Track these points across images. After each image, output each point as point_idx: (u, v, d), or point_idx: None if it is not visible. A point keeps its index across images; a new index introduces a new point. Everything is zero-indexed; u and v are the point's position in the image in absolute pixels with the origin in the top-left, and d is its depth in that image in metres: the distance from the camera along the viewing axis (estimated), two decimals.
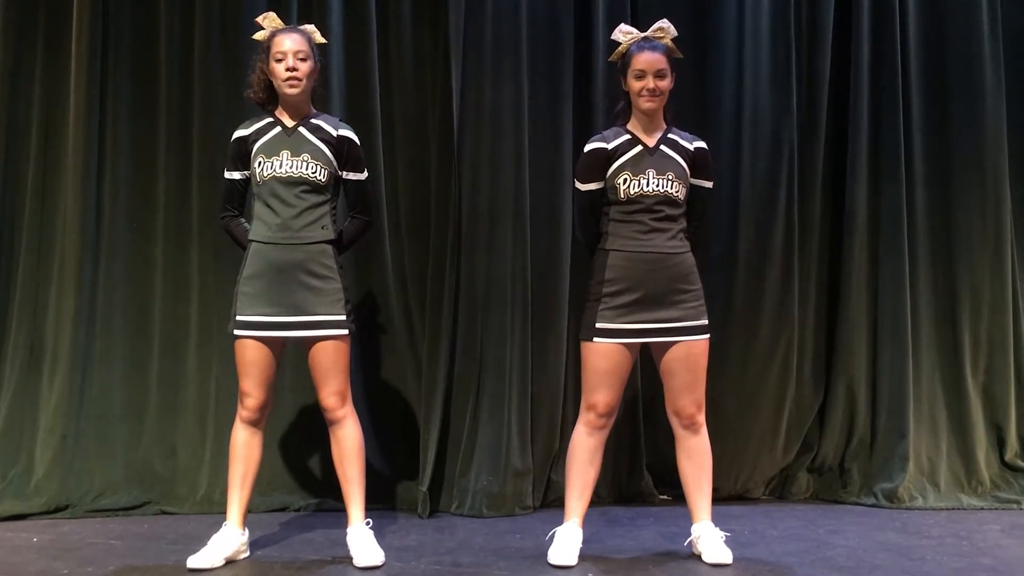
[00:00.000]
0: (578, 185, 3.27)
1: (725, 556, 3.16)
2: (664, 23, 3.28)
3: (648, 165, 3.17)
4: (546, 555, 3.21)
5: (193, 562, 3.08)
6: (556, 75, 4.20)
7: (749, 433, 4.27)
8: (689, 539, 3.28)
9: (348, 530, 3.20)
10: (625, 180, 3.15)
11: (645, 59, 3.16)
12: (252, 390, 3.17)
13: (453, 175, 4.06)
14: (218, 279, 4.04)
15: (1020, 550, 3.42)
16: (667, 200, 3.17)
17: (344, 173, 3.30)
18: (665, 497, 4.25)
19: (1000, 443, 4.39)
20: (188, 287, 4.08)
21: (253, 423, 3.22)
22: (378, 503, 3.81)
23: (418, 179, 4.20)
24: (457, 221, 4.07)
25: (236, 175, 3.29)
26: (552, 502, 4.08)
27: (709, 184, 3.33)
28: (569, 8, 4.23)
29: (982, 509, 4.11)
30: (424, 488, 3.91)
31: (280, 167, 3.15)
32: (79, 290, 4.01)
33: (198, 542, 3.21)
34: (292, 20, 4.03)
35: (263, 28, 3.26)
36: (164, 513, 3.90)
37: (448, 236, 4.05)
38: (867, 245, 4.36)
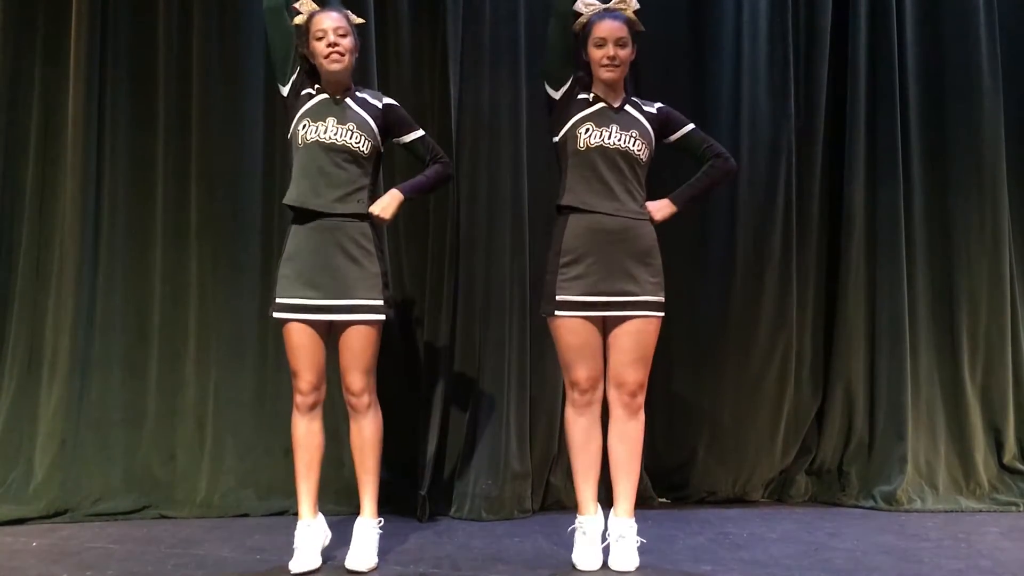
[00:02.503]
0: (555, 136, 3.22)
1: (630, 563, 3.07)
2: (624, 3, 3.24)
3: (611, 121, 3.14)
4: (545, 558, 3.21)
5: (295, 567, 3.06)
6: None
7: (747, 436, 4.27)
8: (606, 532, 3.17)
9: (357, 520, 3.20)
10: (588, 130, 3.11)
11: (606, 27, 3.13)
12: (303, 372, 3.14)
13: (451, 180, 4.07)
14: (217, 284, 4.06)
15: (1019, 552, 3.42)
16: (628, 157, 3.12)
17: (399, 139, 3.29)
18: (664, 500, 4.26)
19: (998, 445, 4.39)
20: (187, 292, 4.08)
21: (310, 408, 3.18)
22: (377, 506, 3.80)
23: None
24: (455, 226, 4.08)
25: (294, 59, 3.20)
26: (551, 505, 4.09)
27: (691, 125, 3.26)
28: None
29: (981, 511, 4.12)
30: (423, 492, 3.91)
31: (325, 132, 3.13)
32: (78, 295, 4.01)
33: (197, 546, 3.22)
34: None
35: (301, 13, 3.22)
36: (163, 517, 3.89)
37: (446, 241, 4.06)
38: (865, 248, 4.37)
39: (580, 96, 3.19)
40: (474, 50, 4.15)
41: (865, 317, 4.35)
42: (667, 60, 4.36)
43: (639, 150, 3.14)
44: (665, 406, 4.22)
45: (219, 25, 4.11)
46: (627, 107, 3.20)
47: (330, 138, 3.13)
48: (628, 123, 3.16)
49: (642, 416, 3.18)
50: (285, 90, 3.23)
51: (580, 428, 3.19)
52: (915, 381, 4.30)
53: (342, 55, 3.15)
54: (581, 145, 3.12)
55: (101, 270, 4.07)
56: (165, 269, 4.09)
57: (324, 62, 3.16)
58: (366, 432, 3.20)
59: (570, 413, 3.21)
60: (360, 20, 3.32)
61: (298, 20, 3.23)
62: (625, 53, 3.14)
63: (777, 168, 4.32)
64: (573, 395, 3.18)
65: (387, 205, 3.18)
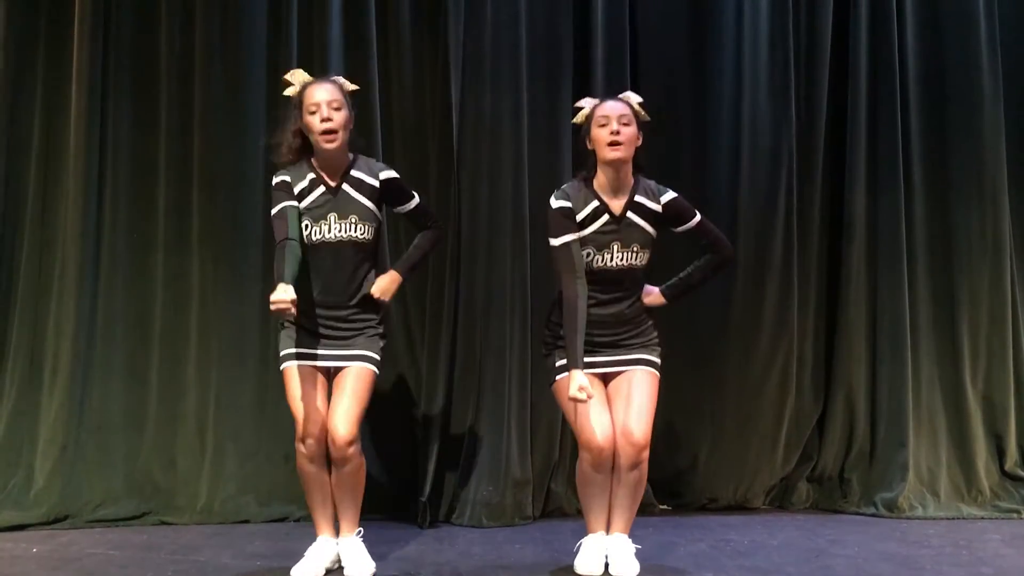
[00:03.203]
0: (553, 242, 3.05)
1: (631, 569, 3.05)
2: (628, 93, 3.18)
3: (614, 238, 3.06)
4: (546, 565, 3.20)
5: (297, 572, 3.05)
6: (555, 85, 4.22)
7: (749, 443, 4.27)
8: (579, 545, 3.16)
9: (339, 540, 3.17)
10: (589, 254, 3.05)
11: (609, 107, 3.06)
12: (309, 432, 3.05)
13: (452, 185, 4.08)
14: (218, 289, 4.06)
15: (1020, 560, 3.41)
16: (631, 272, 3.09)
17: (399, 209, 3.28)
18: (665, 507, 4.26)
19: (1000, 452, 4.38)
20: (188, 297, 4.08)
21: (316, 454, 3.10)
22: (377, 513, 3.81)
23: (418, 189, 4.17)
24: (457, 231, 4.08)
25: (292, 203, 3.08)
26: (552, 512, 4.09)
27: (697, 219, 3.15)
28: (568, 19, 4.25)
29: (982, 519, 4.11)
30: (424, 498, 3.91)
31: (329, 231, 3.09)
32: (79, 300, 4.01)
33: (197, 553, 3.21)
34: (292, 31, 4.07)
35: (293, 85, 3.17)
36: (164, 524, 3.89)
37: (447, 246, 4.06)
38: (866, 255, 4.36)
39: (580, 215, 3.05)
40: (475, 56, 4.16)
41: (866, 323, 4.35)
42: (668, 68, 4.37)
43: (641, 262, 3.11)
44: (666, 412, 4.19)
45: (221, 32, 4.11)
46: (629, 213, 3.08)
47: (335, 236, 3.10)
48: (630, 236, 3.07)
49: (645, 468, 3.09)
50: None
51: (598, 482, 3.09)
52: (916, 388, 4.29)
53: (335, 132, 3.07)
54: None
55: (103, 275, 4.07)
56: (166, 274, 4.09)
57: (319, 139, 3.08)
58: (347, 479, 3.10)
59: (587, 470, 3.09)
60: (354, 87, 3.23)
61: (290, 92, 3.18)
62: (630, 131, 3.03)
63: (778, 174, 4.32)
64: (588, 457, 3.05)
65: (387, 288, 3.21)
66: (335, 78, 3.21)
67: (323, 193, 3.11)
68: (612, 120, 3.01)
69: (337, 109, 3.07)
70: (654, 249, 3.13)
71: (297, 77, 3.17)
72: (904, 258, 4.33)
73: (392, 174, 3.22)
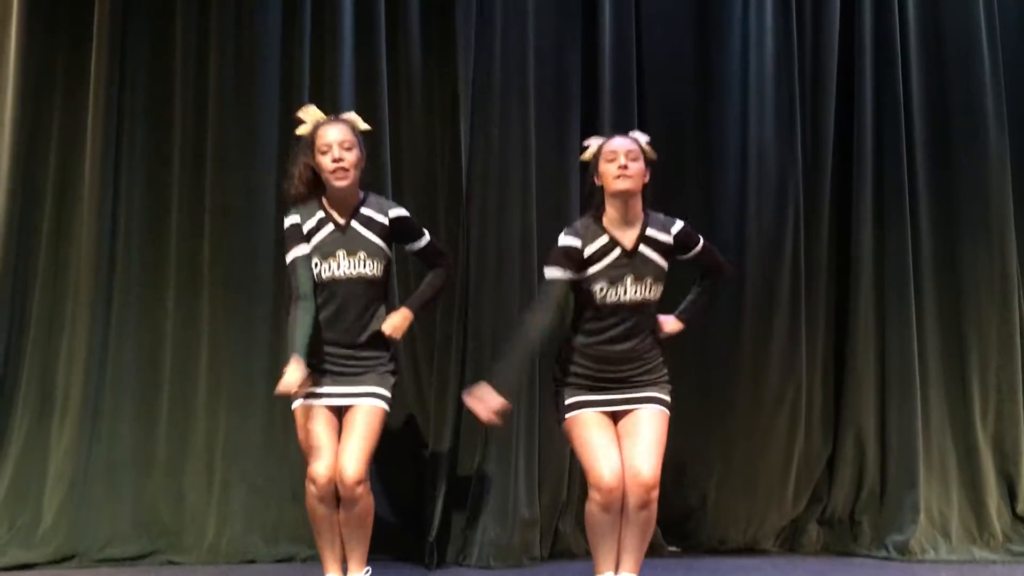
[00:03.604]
0: (546, 271, 3.06)
1: None
2: (635, 133, 3.20)
3: (626, 271, 3.04)
4: None
5: None
6: (563, 127, 4.25)
7: (757, 483, 4.24)
8: None
9: None
10: (602, 289, 3.03)
11: (617, 143, 3.07)
12: (322, 451, 3.06)
13: (461, 223, 4.10)
14: (228, 329, 4.07)
15: None
16: (643, 304, 3.08)
17: (409, 247, 3.31)
18: (674, 549, 4.22)
19: (1011, 494, 4.34)
20: (198, 337, 4.09)
21: (326, 493, 3.08)
22: (384, 553, 3.78)
23: (427, 227, 4.21)
24: (465, 271, 4.10)
25: (303, 249, 3.13)
26: (560, 553, 4.06)
27: (700, 245, 3.16)
28: (576, 58, 4.29)
29: (995, 562, 4.07)
30: (431, 538, 3.89)
31: (338, 268, 3.11)
32: (91, 339, 4.03)
33: None
34: (304, 70, 4.12)
35: (305, 123, 3.20)
36: (171, 563, 3.88)
37: (456, 284, 4.07)
38: (873, 293, 4.36)
39: (589, 251, 3.05)
40: (484, 95, 4.19)
41: (875, 363, 4.33)
42: (674, 107, 4.40)
43: (654, 295, 3.10)
44: (675, 453, 4.15)
45: (234, 69, 4.16)
46: (641, 247, 3.07)
47: (344, 273, 3.12)
48: (642, 270, 3.06)
49: (655, 508, 3.06)
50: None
51: (606, 524, 3.05)
52: (926, 428, 4.27)
53: (347, 171, 3.10)
54: (597, 302, 3.05)
55: (114, 314, 4.09)
56: (177, 314, 4.11)
57: (330, 178, 3.11)
58: (355, 516, 3.10)
59: (595, 511, 3.05)
60: (366, 127, 3.26)
61: (302, 131, 3.20)
62: (637, 166, 3.04)
63: (784, 213, 4.33)
64: (597, 497, 3.02)
65: (398, 325, 3.21)
66: (347, 117, 3.23)
67: (332, 231, 3.14)
68: (620, 155, 3.02)
69: (348, 149, 3.10)
70: (666, 282, 3.13)
71: (310, 115, 3.20)
72: (912, 296, 4.33)
73: (402, 212, 3.24)
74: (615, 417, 3.11)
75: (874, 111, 4.42)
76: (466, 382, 4.05)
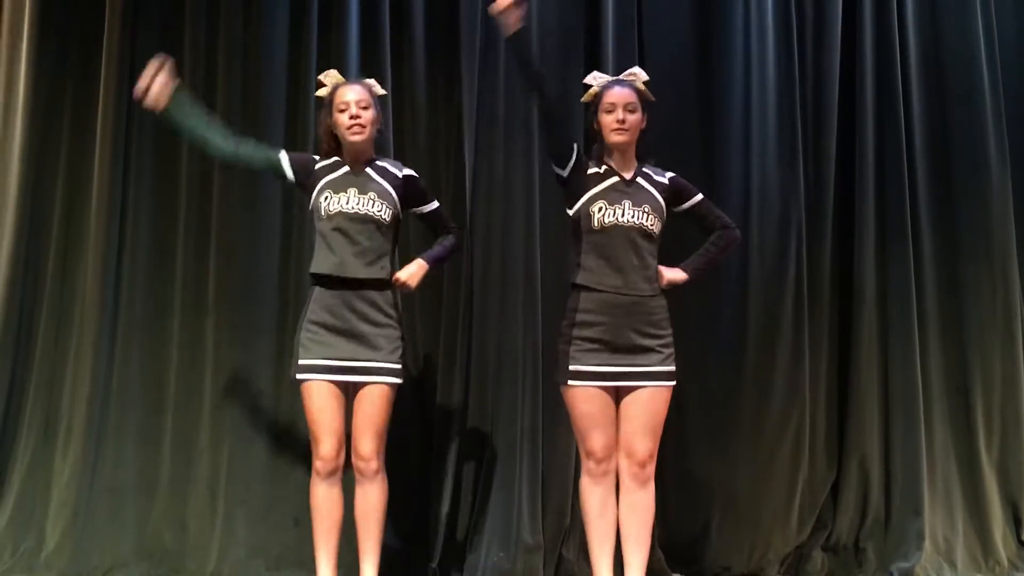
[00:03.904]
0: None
1: None
2: (635, 68, 3.38)
3: (624, 196, 3.19)
4: None
5: None
6: (567, 144, 4.27)
7: (762, 510, 4.22)
8: None
9: None
10: (600, 208, 3.16)
11: (615, 93, 3.23)
12: (324, 436, 3.18)
13: (465, 249, 4.12)
14: (232, 355, 4.09)
15: None
16: (642, 232, 3.17)
17: (417, 209, 3.41)
18: (678, 575, 4.20)
19: (1017, 521, 4.32)
20: (203, 362, 4.11)
21: (330, 474, 3.22)
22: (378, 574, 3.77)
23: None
24: (469, 293, 4.12)
25: (292, 154, 3.35)
26: None
27: (699, 196, 3.35)
28: (579, 87, 4.32)
29: None
30: (434, 564, 3.88)
31: (347, 203, 3.22)
32: (95, 365, 4.05)
33: None
34: (310, 99, 4.14)
35: (325, 85, 3.36)
36: None
37: (460, 309, 4.10)
38: (877, 320, 4.36)
39: (591, 171, 3.25)
40: (489, 122, 4.24)
41: (878, 390, 4.33)
42: (677, 134, 4.42)
43: (652, 224, 3.20)
44: (678, 479, 4.19)
45: (241, 103, 4.20)
46: (639, 179, 3.26)
47: (352, 208, 3.21)
48: (640, 198, 3.21)
49: (652, 487, 3.19)
50: (289, 177, 3.33)
51: (596, 498, 3.18)
52: (931, 455, 4.26)
53: (363, 127, 3.25)
54: (596, 225, 3.17)
55: (119, 340, 4.11)
56: (182, 339, 4.13)
57: (346, 133, 3.26)
58: (371, 498, 3.22)
59: (586, 483, 3.21)
60: (383, 91, 3.44)
61: (322, 92, 3.36)
62: (635, 118, 3.23)
63: (787, 241, 4.35)
64: (589, 464, 3.18)
65: (414, 273, 3.31)
66: (365, 80, 3.41)
67: (347, 172, 3.28)
68: (618, 108, 3.20)
69: (365, 108, 3.27)
70: (664, 225, 3.25)
71: (330, 79, 3.38)
72: (915, 323, 4.33)
73: (414, 173, 3.39)
74: (618, 392, 3.15)
75: (875, 141, 4.45)
76: (469, 407, 4.09)
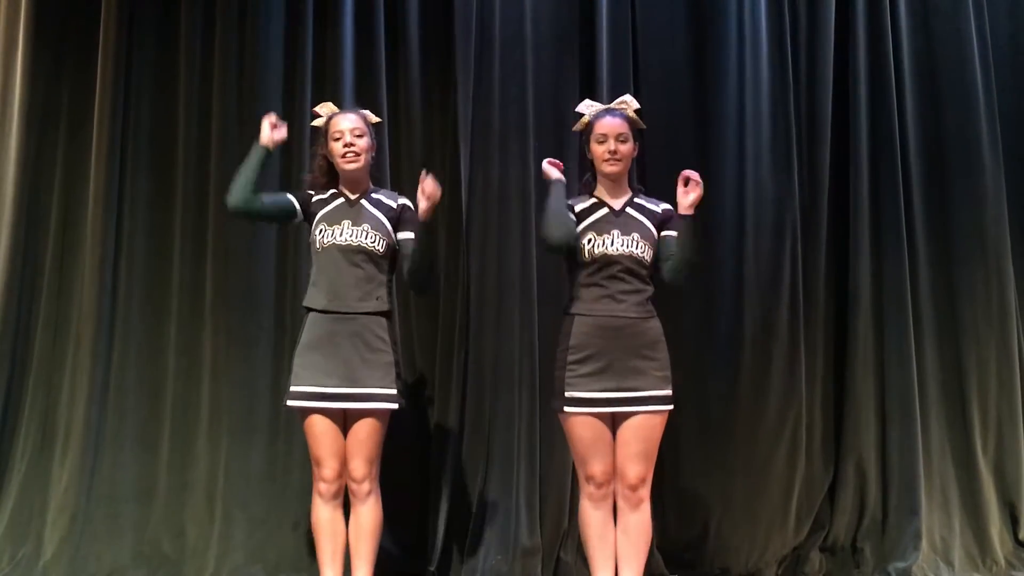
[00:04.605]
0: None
1: None
2: (627, 97, 3.40)
3: (613, 226, 3.22)
4: None
5: None
6: (561, 160, 4.29)
7: (759, 511, 4.22)
8: None
9: None
10: (590, 240, 3.19)
11: (607, 124, 3.25)
12: (326, 459, 3.21)
13: (461, 256, 4.14)
14: (230, 360, 4.10)
15: None
16: (633, 260, 3.19)
17: (404, 234, 3.37)
18: None
19: (1013, 520, 4.32)
20: (200, 368, 4.12)
21: (334, 496, 3.25)
22: None
23: None
24: (465, 301, 4.14)
25: (295, 196, 3.39)
26: None
27: (673, 233, 3.29)
28: (575, 97, 4.35)
29: None
30: (432, 568, 3.88)
31: (340, 235, 3.25)
32: (93, 372, 4.06)
33: None
34: (305, 110, 4.17)
35: (320, 116, 3.42)
36: None
37: (456, 316, 4.11)
38: (872, 322, 4.37)
39: (580, 207, 3.27)
40: (484, 132, 4.26)
41: (874, 391, 4.34)
42: (671, 141, 4.45)
43: (642, 252, 3.22)
44: (676, 481, 4.20)
45: (237, 109, 4.23)
46: (628, 209, 3.28)
47: (346, 240, 3.25)
48: (629, 226, 3.24)
49: (646, 508, 3.20)
50: (299, 219, 3.39)
51: (598, 521, 3.20)
52: (927, 455, 4.26)
53: (358, 155, 3.30)
54: (587, 256, 3.21)
55: (116, 347, 4.12)
56: (179, 345, 4.14)
57: (340, 162, 3.31)
58: (364, 520, 3.23)
59: (586, 506, 3.22)
60: (377, 119, 3.48)
61: (317, 123, 3.42)
62: (626, 148, 3.25)
63: (782, 245, 4.36)
64: (589, 488, 3.20)
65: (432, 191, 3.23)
66: (359, 110, 3.46)
67: (342, 203, 3.32)
68: (610, 139, 3.23)
69: (359, 136, 3.32)
70: (655, 252, 3.26)
71: (325, 109, 3.43)
72: (910, 326, 4.34)
73: (410, 203, 3.40)
74: (615, 420, 3.17)
75: (869, 143, 4.47)
76: (466, 413, 4.09)
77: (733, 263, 4.35)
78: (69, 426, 4.06)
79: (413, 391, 4.18)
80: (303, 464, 3.98)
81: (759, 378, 4.30)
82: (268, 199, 3.34)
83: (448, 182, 4.27)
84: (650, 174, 4.15)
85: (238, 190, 3.25)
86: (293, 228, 4.10)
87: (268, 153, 3.30)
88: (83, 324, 4.11)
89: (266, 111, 4.14)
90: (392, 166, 4.24)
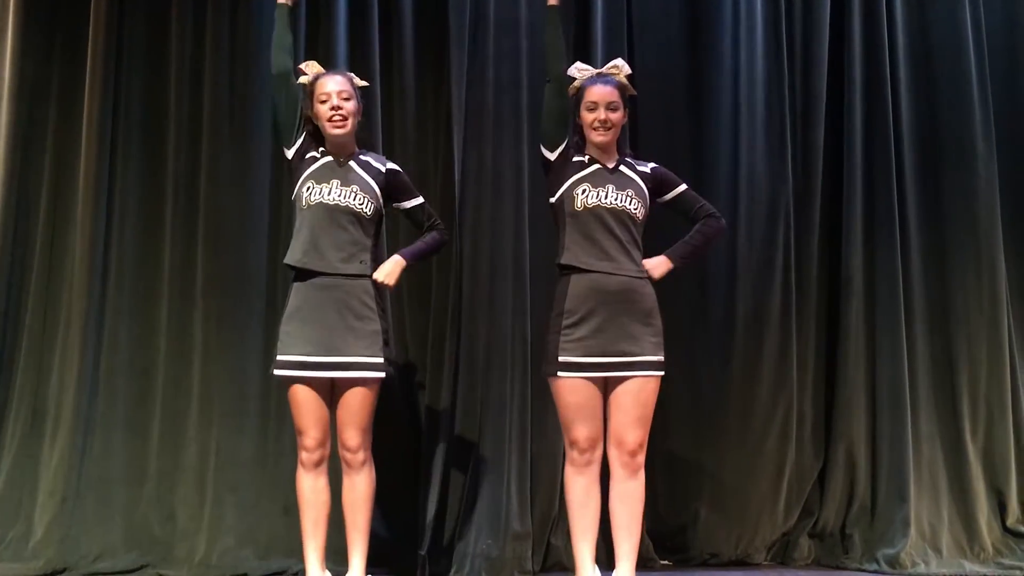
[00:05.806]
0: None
1: None
2: (619, 61, 3.37)
3: (608, 181, 3.22)
4: None
5: None
6: None
7: (749, 497, 4.25)
8: None
9: None
10: (584, 191, 3.18)
11: (598, 91, 3.23)
12: (308, 429, 3.20)
13: (454, 240, 4.12)
14: (220, 343, 4.08)
15: None
16: (624, 215, 3.19)
17: (400, 204, 3.39)
18: (666, 562, 4.23)
19: (1001, 508, 4.37)
20: (191, 351, 4.09)
21: (316, 465, 3.23)
22: (376, 567, 3.76)
23: None
24: (458, 286, 4.12)
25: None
26: (552, 566, 4.05)
27: (683, 186, 3.36)
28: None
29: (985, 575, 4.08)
30: (423, 552, 3.89)
31: (328, 194, 3.20)
32: (83, 353, 4.03)
33: None
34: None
35: (306, 75, 3.34)
36: None
37: (449, 300, 4.10)
38: (864, 309, 4.39)
39: (575, 158, 3.27)
40: (478, 115, 4.23)
41: (865, 378, 4.36)
42: (665, 125, 4.44)
43: (635, 209, 3.21)
44: (666, 467, 4.21)
45: (229, 92, 4.19)
46: (621, 167, 3.28)
47: (333, 200, 3.19)
48: (623, 183, 3.24)
49: (642, 476, 3.21)
50: (290, 153, 3.31)
51: (579, 487, 3.21)
52: (916, 443, 4.29)
53: (344, 119, 3.23)
54: (578, 206, 3.19)
55: (107, 329, 4.09)
56: (170, 328, 4.11)
57: (327, 125, 3.23)
58: (359, 488, 3.23)
59: (570, 472, 3.23)
60: (364, 83, 3.42)
61: (303, 80, 3.33)
62: (616, 116, 3.24)
63: (775, 231, 4.37)
64: (572, 454, 3.20)
65: (391, 271, 3.27)
66: (346, 72, 3.40)
67: (330, 162, 3.27)
68: (600, 107, 3.21)
69: (346, 99, 3.24)
70: (648, 211, 3.27)
71: (311, 68, 3.35)
72: (902, 313, 4.36)
73: (398, 167, 3.37)
74: (606, 382, 3.17)
75: (863, 129, 4.47)
76: (458, 397, 4.09)
77: (726, 248, 4.35)
78: (59, 409, 4.03)
79: (405, 375, 4.17)
80: (294, 448, 3.95)
81: (750, 364, 4.31)
82: (293, 94, 3.30)
83: (441, 165, 4.26)
84: (644, 159, 4.12)
85: (273, 54, 3.30)
86: (286, 210, 4.08)
87: (289, 10, 3.31)
88: (73, 306, 4.08)
89: (260, 87, 4.17)
90: (385, 149, 4.20)
